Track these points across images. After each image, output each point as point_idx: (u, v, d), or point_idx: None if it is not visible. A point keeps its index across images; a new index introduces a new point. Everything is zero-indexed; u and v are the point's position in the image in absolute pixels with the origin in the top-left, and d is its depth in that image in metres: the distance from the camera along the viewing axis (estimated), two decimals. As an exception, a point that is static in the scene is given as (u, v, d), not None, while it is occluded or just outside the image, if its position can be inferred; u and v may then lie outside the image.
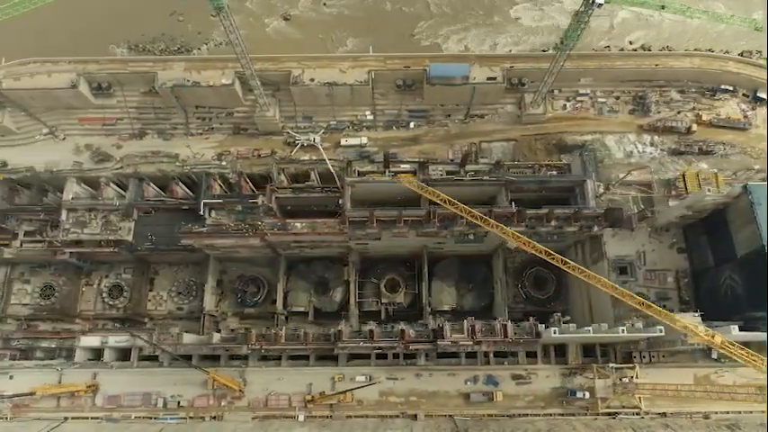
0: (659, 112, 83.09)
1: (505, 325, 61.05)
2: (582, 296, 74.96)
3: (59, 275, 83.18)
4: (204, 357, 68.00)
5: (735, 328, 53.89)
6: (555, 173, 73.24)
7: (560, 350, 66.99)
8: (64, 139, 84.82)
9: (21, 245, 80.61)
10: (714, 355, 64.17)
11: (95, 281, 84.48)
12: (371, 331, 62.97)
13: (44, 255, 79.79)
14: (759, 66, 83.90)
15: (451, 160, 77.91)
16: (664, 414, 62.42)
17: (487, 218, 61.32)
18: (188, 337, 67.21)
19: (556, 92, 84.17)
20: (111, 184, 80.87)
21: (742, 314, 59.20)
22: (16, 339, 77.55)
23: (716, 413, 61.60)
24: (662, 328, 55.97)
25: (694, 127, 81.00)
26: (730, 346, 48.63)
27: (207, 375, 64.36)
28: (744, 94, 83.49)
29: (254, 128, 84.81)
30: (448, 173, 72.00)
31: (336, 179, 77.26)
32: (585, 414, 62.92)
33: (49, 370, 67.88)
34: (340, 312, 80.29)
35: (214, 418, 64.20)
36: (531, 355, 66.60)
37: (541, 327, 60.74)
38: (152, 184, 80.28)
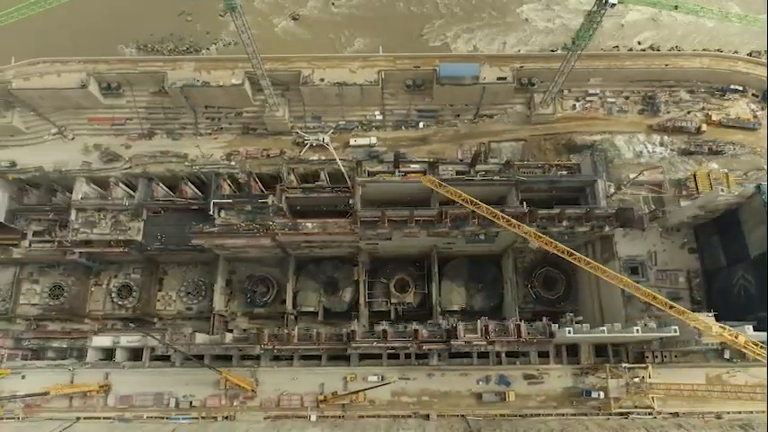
0: (669, 113, 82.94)
1: (519, 325, 61.22)
2: (592, 296, 75.02)
3: (68, 275, 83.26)
4: (216, 357, 67.80)
5: (749, 329, 53.64)
6: (565, 173, 73.50)
7: (572, 350, 66.80)
8: (73, 138, 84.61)
9: (30, 245, 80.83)
10: (726, 355, 64.12)
11: (104, 281, 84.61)
12: (385, 331, 63.13)
13: (53, 255, 79.96)
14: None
15: (461, 160, 77.90)
16: (676, 414, 62.14)
17: (510, 218, 61.13)
18: (201, 337, 67.28)
19: (565, 92, 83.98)
20: (121, 184, 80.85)
21: (755, 314, 58.95)
22: (27, 339, 77.55)
23: (728, 413, 61.45)
24: (676, 327, 55.86)
25: (704, 127, 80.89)
26: (754, 347, 48.57)
27: (219, 375, 64.12)
28: (753, 94, 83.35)
29: (263, 128, 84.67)
30: (457, 173, 72.22)
31: (347, 179, 77.22)
32: (598, 414, 62.76)
33: (61, 370, 67.58)
34: (349, 312, 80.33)
35: (226, 418, 63.93)
36: (543, 355, 66.32)
37: (555, 327, 60.92)
38: (161, 184, 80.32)
